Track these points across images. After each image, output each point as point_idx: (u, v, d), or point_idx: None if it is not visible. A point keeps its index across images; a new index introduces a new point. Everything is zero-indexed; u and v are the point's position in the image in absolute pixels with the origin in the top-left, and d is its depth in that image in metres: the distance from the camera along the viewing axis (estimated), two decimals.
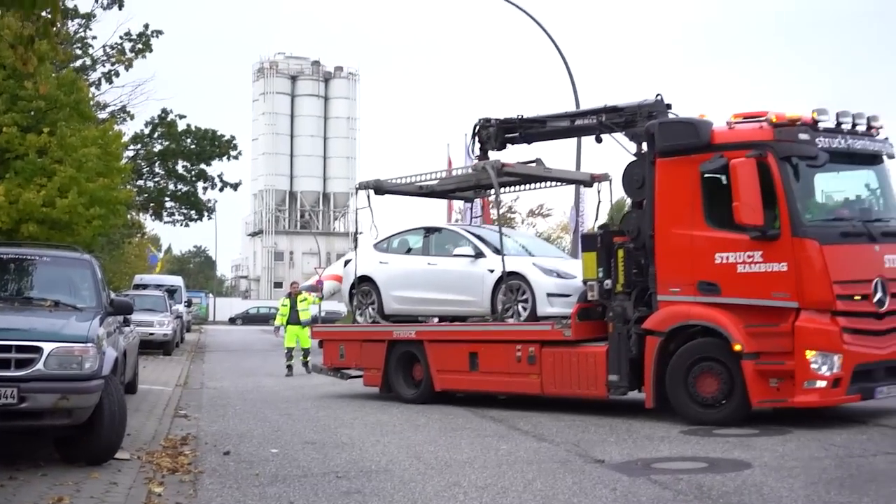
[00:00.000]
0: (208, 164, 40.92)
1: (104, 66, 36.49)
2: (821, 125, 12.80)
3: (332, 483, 9.17)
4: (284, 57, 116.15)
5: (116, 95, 38.57)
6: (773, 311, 12.43)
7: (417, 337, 16.61)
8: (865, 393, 12.58)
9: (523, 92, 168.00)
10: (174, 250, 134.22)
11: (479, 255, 16.04)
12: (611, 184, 16.76)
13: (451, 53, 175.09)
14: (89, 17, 35.51)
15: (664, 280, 13.37)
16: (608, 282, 14.02)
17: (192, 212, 41.69)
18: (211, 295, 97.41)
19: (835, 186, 13.49)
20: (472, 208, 25.85)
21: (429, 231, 17.45)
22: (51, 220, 23.58)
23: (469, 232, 16.93)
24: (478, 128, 16.63)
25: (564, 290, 15.01)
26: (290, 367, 23.75)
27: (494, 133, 16.44)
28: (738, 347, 12.54)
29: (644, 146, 13.98)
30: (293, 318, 24.50)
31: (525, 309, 15.20)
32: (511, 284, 15.33)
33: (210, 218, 43.47)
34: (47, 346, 9.24)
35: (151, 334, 29.47)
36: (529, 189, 18.09)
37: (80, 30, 35.48)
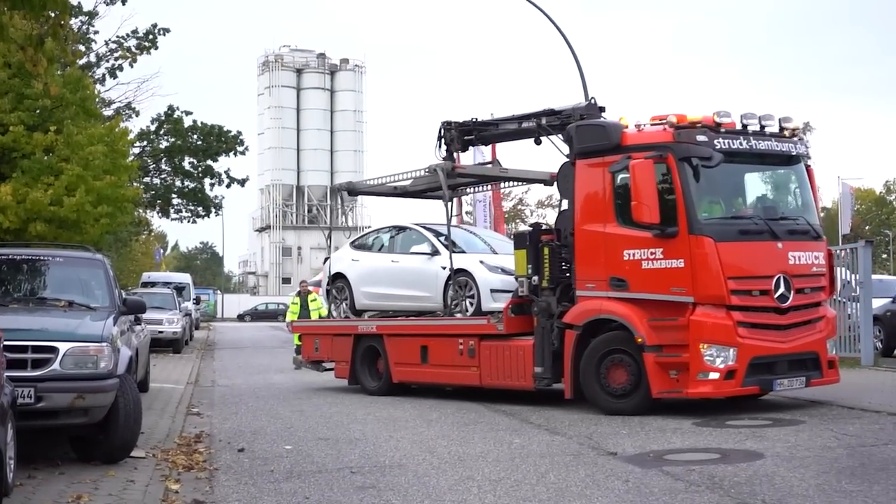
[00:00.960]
0: (215, 160, 41.13)
1: (108, 62, 36.72)
2: (724, 127, 13.56)
3: (347, 478, 9.37)
4: (290, 50, 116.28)
5: (122, 92, 38.80)
6: (673, 306, 13.27)
7: (378, 331, 17.76)
8: (764, 385, 13.46)
9: (533, 84, 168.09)
10: (181, 247, 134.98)
11: (434, 252, 16.94)
12: None
13: (460, 44, 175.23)
14: (92, 14, 35.73)
15: (582, 276, 14.32)
16: (536, 278, 14.85)
17: (199, 208, 41.93)
18: (219, 292, 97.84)
19: (742, 186, 14.25)
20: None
21: (397, 229, 18.50)
22: (58, 219, 23.70)
23: (431, 231, 17.59)
24: (442, 130, 17.49)
25: (508, 286, 15.72)
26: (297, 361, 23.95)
27: (455, 136, 17.37)
28: (639, 340, 13.44)
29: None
30: (304, 317, 24.73)
31: (472, 304, 16.16)
32: (458, 281, 16.29)
33: (217, 214, 43.69)
34: (63, 346, 9.45)
35: (161, 332, 29.74)
36: (489, 189, 18.90)
37: (84, 27, 35.68)
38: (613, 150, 13.89)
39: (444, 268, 16.49)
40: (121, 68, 36.03)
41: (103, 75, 36.01)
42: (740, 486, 8.50)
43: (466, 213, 31.09)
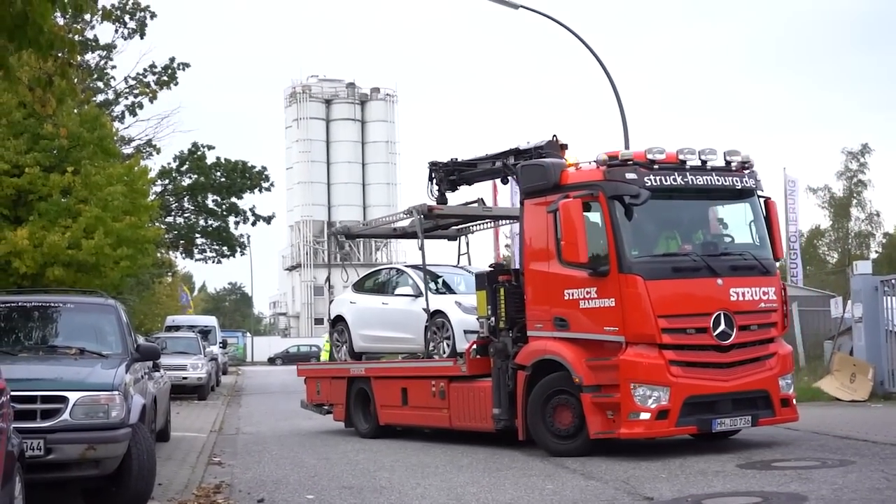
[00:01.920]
0: (239, 198, 41.57)
1: (127, 99, 37.26)
2: (658, 163, 13.94)
3: None
4: (318, 80, 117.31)
5: (141, 129, 39.36)
6: (608, 345, 13.76)
7: (366, 374, 18.69)
8: (702, 425, 13.68)
9: (569, 111, 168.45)
10: (208, 288, 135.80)
11: (418, 294, 17.61)
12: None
13: (493, 71, 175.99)
14: (110, 47, 36.31)
15: (531, 316, 14.91)
16: (493, 318, 15.45)
17: (224, 248, 42.34)
18: (248, 334, 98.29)
19: (682, 222, 14.62)
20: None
21: (389, 271, 19.57)
22: (77, 263, 23.94)
23: (418, 272, 18.13)
24: (431, 171, 18.20)
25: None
26: None
27: (442, 176, 18.08)
28: (577, 380, 13.92)
29: None
30: None
31: (449, 346, 16.85)
32: (436, 322, 17.08)
33: (243, 253, 44.13)
34: (73, 396, 9.62)
35: (185, 378, 29.99)
36: (480, 228, 20.00)
37: (101, 62, 36.26)
38: (553, 190, 14.43)
39: (425, 310, 17.23)
40: (140, 105, 36.59)
41: (122, 112, 36.62)
42: None
43: (501, 250, 31.19)
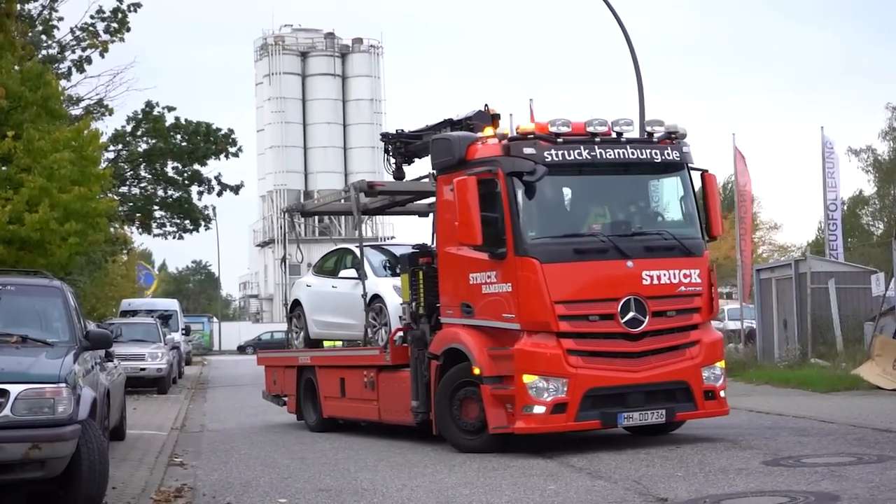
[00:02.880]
0: (203, 165, 41.32)
1: (74, 53, 37.10)
2: (563, 136, 14.42)
3: None
4: (292, 30, 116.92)
5: (91, 87, 39.20)
6: (507, 334, 14.37)
7: (312, 362, 19.59)
8: (606, 419, 14.30)
9: (576, 65, 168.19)
10: (169, 267, 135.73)
11: (364, 277, 17.98)
12: None
13: (492, 19, 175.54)
14: None
15: (443, 301, 15.56)
16: (414, 304, 16.06)
17: (187, 221, 42.14)
18: (215, 319, 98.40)
19: (591, 200, 15.25)
20: None
21: (341, 252, 20.08)
22: (19, 240, 23.83)
23: (366, 251, 18.64)
24: (385, 143, 18.81)
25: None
26: None
27: (394, 148, 18.62)
28: (476, 371, 14.51)
29: None
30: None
31: (387, 333, 17.34)
32: (374, 307, 17.67)
33: (208, 228, 44.06)
34: (14, 389, 9.72)
35: (143, 370, 30.15)
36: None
37: (45, 11, 36.09)
38: (459, 166, 14.92)
39: (363, 295, 17.81)
40: (89, 60, 36.37)
41: (69, 69, 36.41)
42: None
43: None
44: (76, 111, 35.71)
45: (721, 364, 15.04)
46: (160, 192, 41.76)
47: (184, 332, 45.95)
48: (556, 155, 14.30)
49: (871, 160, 65.43)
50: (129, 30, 36.68)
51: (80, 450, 10.11)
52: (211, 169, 41.74)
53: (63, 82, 34.45)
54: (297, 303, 20.51)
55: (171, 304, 49.02)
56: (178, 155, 40.78)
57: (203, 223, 42.72)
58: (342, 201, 20.63)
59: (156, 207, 41.83)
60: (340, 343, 20.37)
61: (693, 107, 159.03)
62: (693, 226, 15.20)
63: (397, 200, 19.82)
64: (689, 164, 15.28)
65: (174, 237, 42.88)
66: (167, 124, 40.35)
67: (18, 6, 23.68)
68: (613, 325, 14.21)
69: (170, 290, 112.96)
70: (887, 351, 22.41)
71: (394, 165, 18.64)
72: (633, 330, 14.24)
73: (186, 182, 41.37)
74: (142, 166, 41.25)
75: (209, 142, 40.89)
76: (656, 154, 14.93)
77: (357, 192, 18.26)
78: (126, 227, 43.07)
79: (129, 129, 40.30)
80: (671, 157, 15.03)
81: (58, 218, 23.95)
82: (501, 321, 14.40)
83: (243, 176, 48.45)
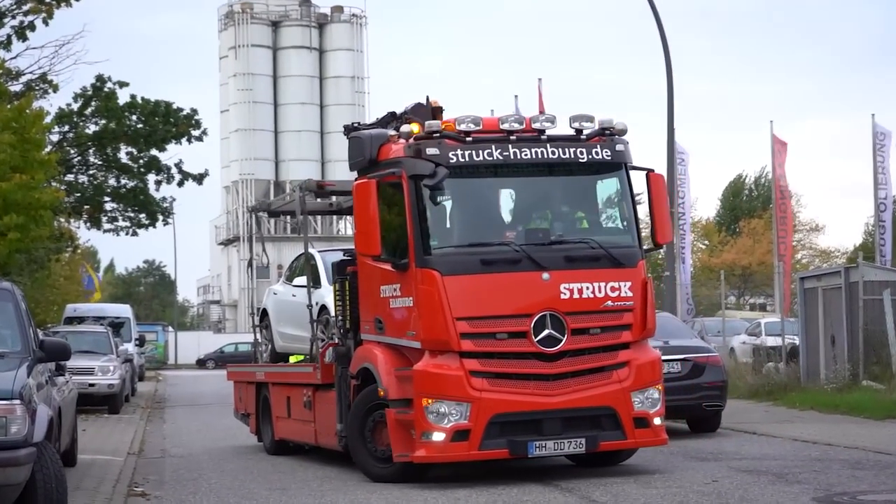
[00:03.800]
0: (162, 150, 41.23)
1: (14, 18, 36.96)
2: (473, 135, 14.74)
3: None
4: None
5: (33, 60, 38.95)
6: (412, 352, 14.77)
7: (266, 379, 20.34)
8: (515, 448, 14.53)
9: (594, 39, 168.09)
10: (117, 267, 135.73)
11: (316, 284, 18.34)
12: None
13: None
14: None
15: (362, 316, 16.00)
16: (342, 317, 16.49)
17: (142, 215, 42.02)
18: (170, 328, 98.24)
19: (505, 205, 15.57)
20: None
21: (300, 257, 20.15)
22: None
23: (323, 257, 19.12)
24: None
25: None
26: None
27: None
28: (381, 393, 14.96)
29: None
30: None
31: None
32: (321, 319, 18.04)
33: (167, 223, 43.92)
34: None
35: (92, 385, 29.97)
36: None
37: None
38: (371, 167, 15.44)
39: (308, 305, 18.13)
40: (32, 27, 36.24)
41: (8, 37, 36.29)
42: None
43: None
44: (15, 87, 35.59)
45: (657, 388, 15.11)
46: (112, 181, 41.61)
47: (137, 342, 45.74)
48: (463, 155, 14.60)
49: None
50: None
51: (34, 477, 10.16)
52: (170, 155, 41.65)
53: (1, 53, 34.38)
54: (265, 312, 20.97)
55: (124, 311, 48.71)
56: (132, 138, 40.63)
57: (161, 217, 42.57)
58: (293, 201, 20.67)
59: (107, 198, 41.62)
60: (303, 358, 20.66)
61: (727, 88, 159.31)
62: (628, 233, 15.41)
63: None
64: (627, 164, 15.41)
65: (127, 233, 42.68)
66: (120, 103, 40.18)
67: None
68: (526, 345, 14.45)
69: (118, 294, 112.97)
70: None
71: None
72: (548, 349, 14.45)
73: (142, 170, 41.23)
74: (91, 151, 41.11)
75: (169, 123, 40.77)
76: (581, 153, 15.08)
77: (303, 193, 18.43)
78: (72, 221, 42.86)
79: (76, 107, 40.15)
80: (601, 157, 15.16)
81: None
82: (405, 339, 14.82)
83: (204, 163, 48.30)
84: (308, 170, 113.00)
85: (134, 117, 40.73)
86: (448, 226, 15.00)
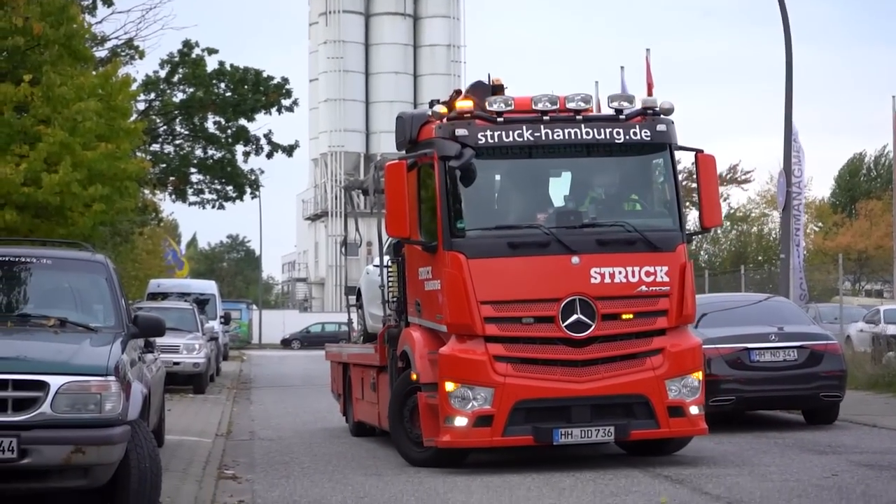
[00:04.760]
0: (251, 120, 41.37)
1: None
2: (505, 115, 15.00)
3: None
4: None
5: (119, 25, 39.31)
6: (444, 336, 15.18)
7: (348, 360, 21.02)
8: (540, 436, 14.79)
9: (706, 7, 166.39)
10: (200, 242, 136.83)
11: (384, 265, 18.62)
12: None
13: None
14: None
15: (409, 297, 16.57)
16: (397, 298, 17.16)
17: (229, 187, 42.13)
18: (254, 306, 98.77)
19: (537, 186, 15.83)
20: None
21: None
22: (35, 205, 23.87)
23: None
24: None
25: None
26: None
27: None
28: (414, 377, 15.49)
29: None
30: None
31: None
32: (360, 301, 18.77)
33: (255, 196, 44.14)
34: (55, 381, 9.93)
35: (176, 364, 30.13)
36: None
37: None
38: (412, 148, 15.94)
39: (383, 285, 18.50)
40: None
41: (93, 1, 36.64)
42: None
43: None
44: (101, 53, 35.84)
45: (696, 376, 15.13)
46: (198, 152, 41.79)
47: (223, 320, 45.94)
48: (493, 136, 14.90)
49: None
50: None
51: (128, 456, 10.30)
52: (259, 125, 41.75)
53: (87, 18, 34.67)
54: (359, 292, 21.33)
55: (209, 287, 48.67)
56: (220, 107, 40.71)
57: (249, 190, 42.70)
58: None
59: (193, 170, 41.82)
60: None
61: (847, 59, 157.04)
62: (668, 216, 15.59)
63: None
64: (672, 144, 15.50)
65: (213, 206, 42.85)
66: (208, 70, 40.39)
67: None
68: (553, 330, 14.69)
69: (200, 269, 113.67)
70: None
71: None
72: (577, 335, 14.65)
73: (230, 140, 41.33)
74: (177, 120, 41.34)
75: (258, 92, 40.84)
76: (618, 133, 15.20)
77: (377, 172, 18.61)
78: (157, 193, 43.13)
79: (163, 74, 40.38)
80: (639, 137, 15.29)
81: (81, 180, 23.64)
82: (436, 322, 15.34)
83: (292, 135, 48.51)
84: None
85: (222, 85, 40.88)
86: (476, 208, 15.28)
